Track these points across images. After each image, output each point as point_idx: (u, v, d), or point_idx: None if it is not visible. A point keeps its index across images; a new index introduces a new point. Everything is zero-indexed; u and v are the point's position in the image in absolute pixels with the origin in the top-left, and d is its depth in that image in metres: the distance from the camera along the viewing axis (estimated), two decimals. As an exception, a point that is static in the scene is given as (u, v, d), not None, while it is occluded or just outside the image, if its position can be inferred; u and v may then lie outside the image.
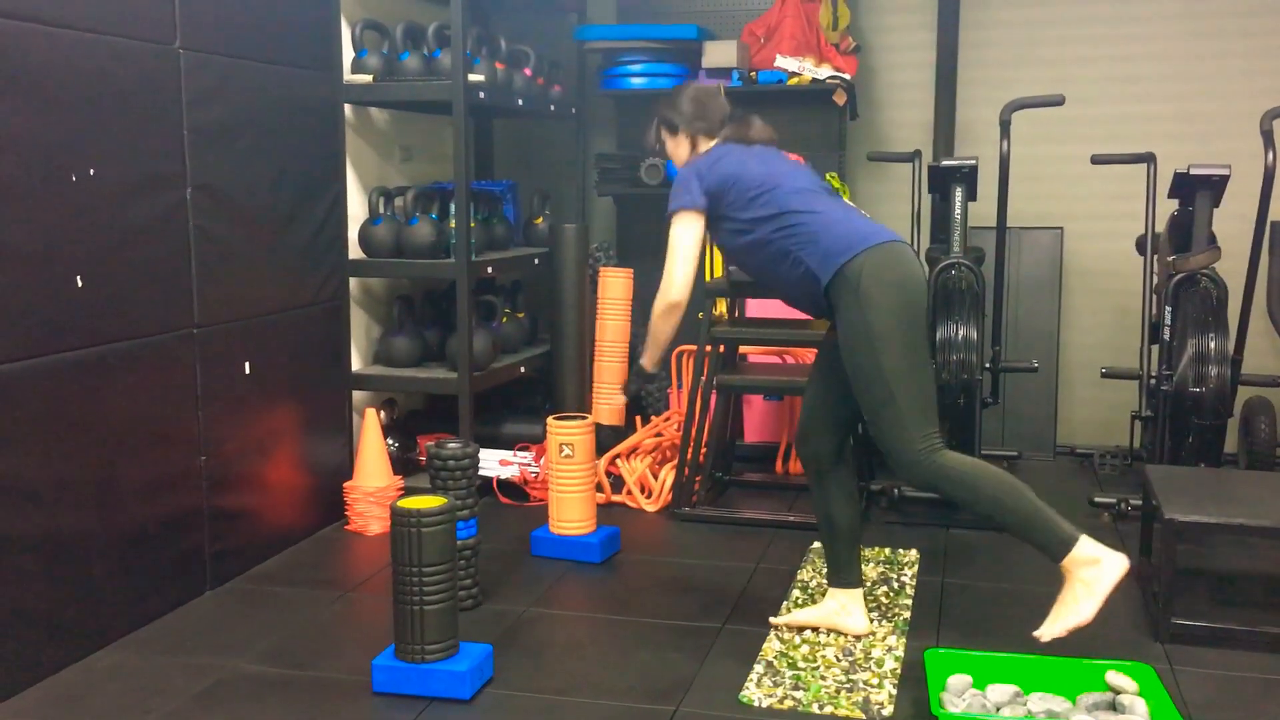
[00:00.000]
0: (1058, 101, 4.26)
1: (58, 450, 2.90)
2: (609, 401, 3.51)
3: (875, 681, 2.87)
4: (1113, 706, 2.60)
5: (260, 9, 3.65)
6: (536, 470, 4.41)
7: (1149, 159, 4.46)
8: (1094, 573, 2.72)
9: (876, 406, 2.86)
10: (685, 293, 3.09)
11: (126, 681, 2.88)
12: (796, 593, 3.47)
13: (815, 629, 3.17)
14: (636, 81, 5.02)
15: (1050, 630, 2.74)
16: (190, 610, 3.35)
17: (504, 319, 4.72)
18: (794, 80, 4.84)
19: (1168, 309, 4.15)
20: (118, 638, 3.12)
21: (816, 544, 3.90)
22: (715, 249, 5.11)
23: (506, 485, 4.48)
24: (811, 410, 3.13)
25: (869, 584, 3.54)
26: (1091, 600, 2.71)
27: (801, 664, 2.98)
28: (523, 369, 4.67)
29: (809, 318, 4.25)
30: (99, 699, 2.79)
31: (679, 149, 3.27)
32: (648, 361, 3.29)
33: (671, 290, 3.10)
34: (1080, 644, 3.08)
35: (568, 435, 3.81)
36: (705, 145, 3.22)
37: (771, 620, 3.21)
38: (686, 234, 3.07)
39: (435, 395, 4.76)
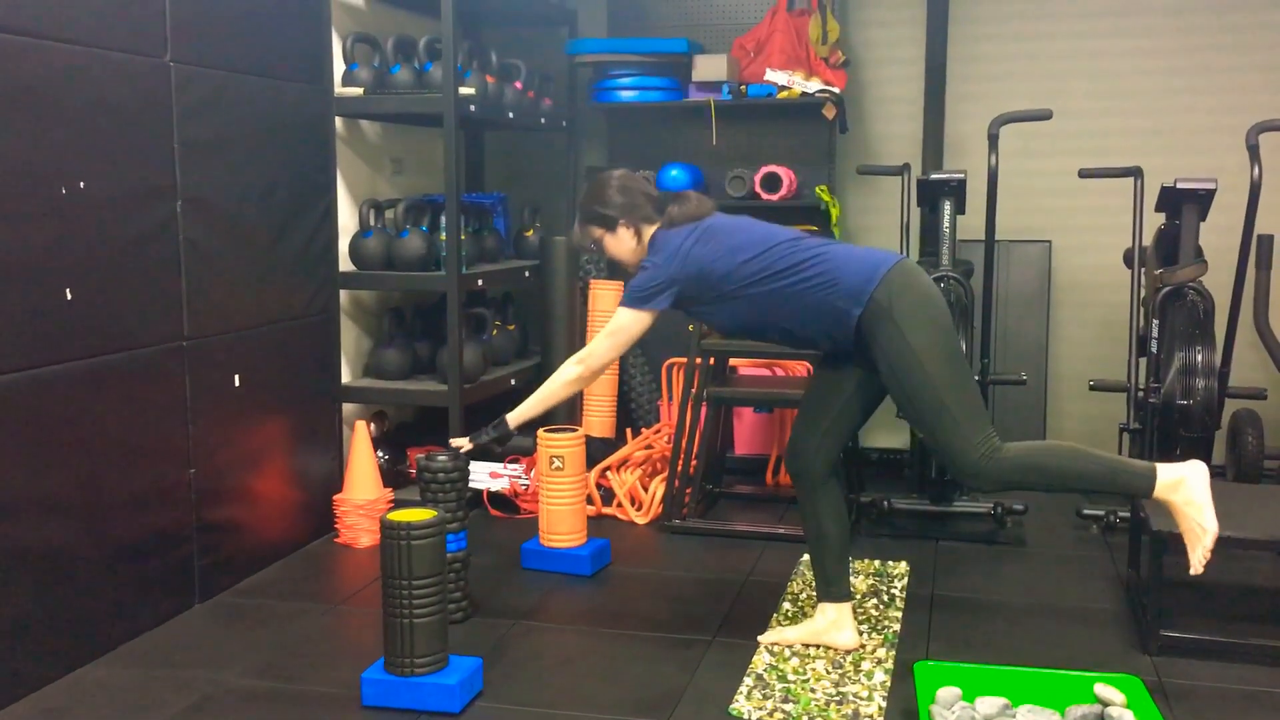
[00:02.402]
0: (1046, 115, 4.29)
1: (46, 463, 2.90)
2: (454, 442, 3.27)
3: (865, 694, 2.88)
4: (1101, 718, 2.60)
5: (251, 22, 3.65)
6: (527, 483, 4.41)
7: (1136, 173, 4.49)
8: (1187, 490, 2.83)
9: (933, 421, 2.87)
10: (596, 371, 3.08)
11: (114, 696, 2.87)
12: (786, 605, 3.48)
13: (805, 644, 3.17)
14: (627, 95, 5.04)
15: (1198, 560, 2.84)
16: (179, 624, 3.34)
17: (494, 331, 4.72)
18: (784, 94, 4.86)
19: (1155, 322, 4.18)
20: (106, 651, 3.11)
21: (806, 556, 3.90)
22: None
23: (497, 498, 4.48)
24: (807, 426, 3.14)
25: (859, 596, 3.54)
26: (1205, 513, 2.82)
27: (791, 676, 2.98)
28: (513, 381, 4.67)
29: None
30: (86, 713, 2.78)
31: (621, 244, 3.12)
32: (516, 417, 3.17)
33: (594, 361, 3.06)
34: (1068, 656, 3.10)
35: (558, 448, 3.81)
36: (649, 232, 3.10)
37: (760, 639, 3.21)
38: (634, 328, 3.02)
39: (426, 408, 4.76)
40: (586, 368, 3.07)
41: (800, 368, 4.79)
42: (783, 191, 4.89)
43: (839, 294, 2.90)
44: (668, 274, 2.98)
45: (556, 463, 3.81)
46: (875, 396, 3.10)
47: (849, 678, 2.97)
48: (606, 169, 3.27)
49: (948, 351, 2.89)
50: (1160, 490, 2.84)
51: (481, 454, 3.28)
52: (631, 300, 3.01)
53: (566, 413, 4.73)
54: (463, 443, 3.25)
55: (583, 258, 5.15)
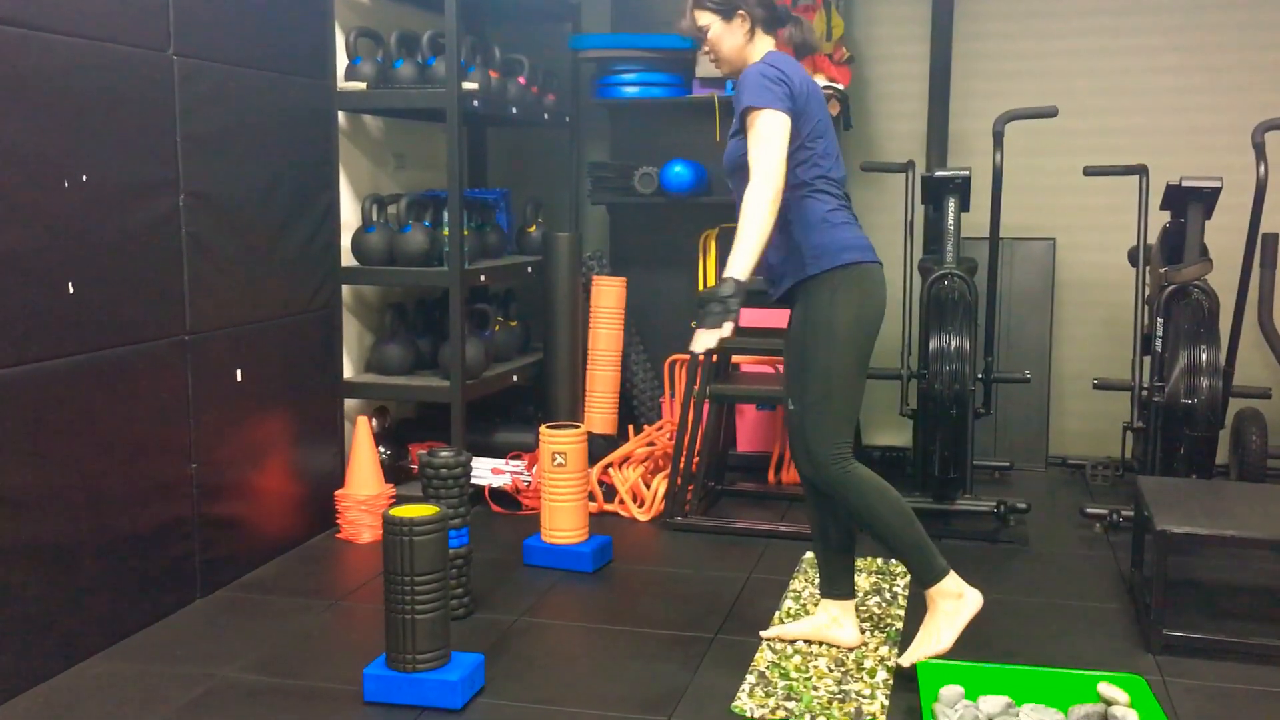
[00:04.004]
0: (1051, 113, 4.28)
1: (48, 457, 2.89)
2: (698, 342, 2.76)
3: (868, 692, 2.87)
4: (1105, 718, 2.60)
5: (254, 16, 3.65)
6: (529, 479, 4.41)
7: (1141, 171, 4.48)
8: (956, 605, 2.93)
9: (811, 401, 2.92)
10: (781, 182, 2.77)
11: (116, 690, 2.87)
12: (789, 603, 3.47)
13: (808, 640, 3.17)
14: (630, 91, 5.03)
15: (911, 657, 2.91)
16: (181, 619, 3.34)
17: (497, 327, 4.71)
18: (788, 90, 4.85)
19: (1159, 320, 4.17)
20: (107, 646, 3.11)
21: (809, 554, 3.90)
22: (710, 245, 5.12)
23: (499, 494, 4.47)
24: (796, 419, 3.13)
25: (861, 594, 3.54)
26: (951, 630, 2.92)
27: (794, 674, 2.97)
28: (515, 377, 4.66)
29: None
30: (88, 707, 2.78)
31: (730, 36, 2.94)
32: (743, 269, 2.75)
33: (776, 175, 2.75)
34: (1072, 655, 3.09)
35: (560, 444, 3.81)
36: (763, 41, 2.96)
37: (762, 634, 3.21)
38: (778, 129, 2.77)
39: (427, 403, 4.75)
40: (774, 184, 2.75)
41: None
42: (786, 188, 4.87)
43: (817, 237, 2.89)
44: (787, 87, 2.81)
45: (559, 459, 3.81)
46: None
47: (851, 675, 2.97)
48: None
49: (861, 356, 2.93)
50: (937, 591, 2.92)
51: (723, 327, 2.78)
52: (763, 99, 2.77)
53: (569, 409, 4.73)
54: (711, 338, 2.77)
55: (586, 254, 5.15)
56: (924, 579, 2.94)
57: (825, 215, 2.92)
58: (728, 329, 2.76)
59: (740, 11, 2.94)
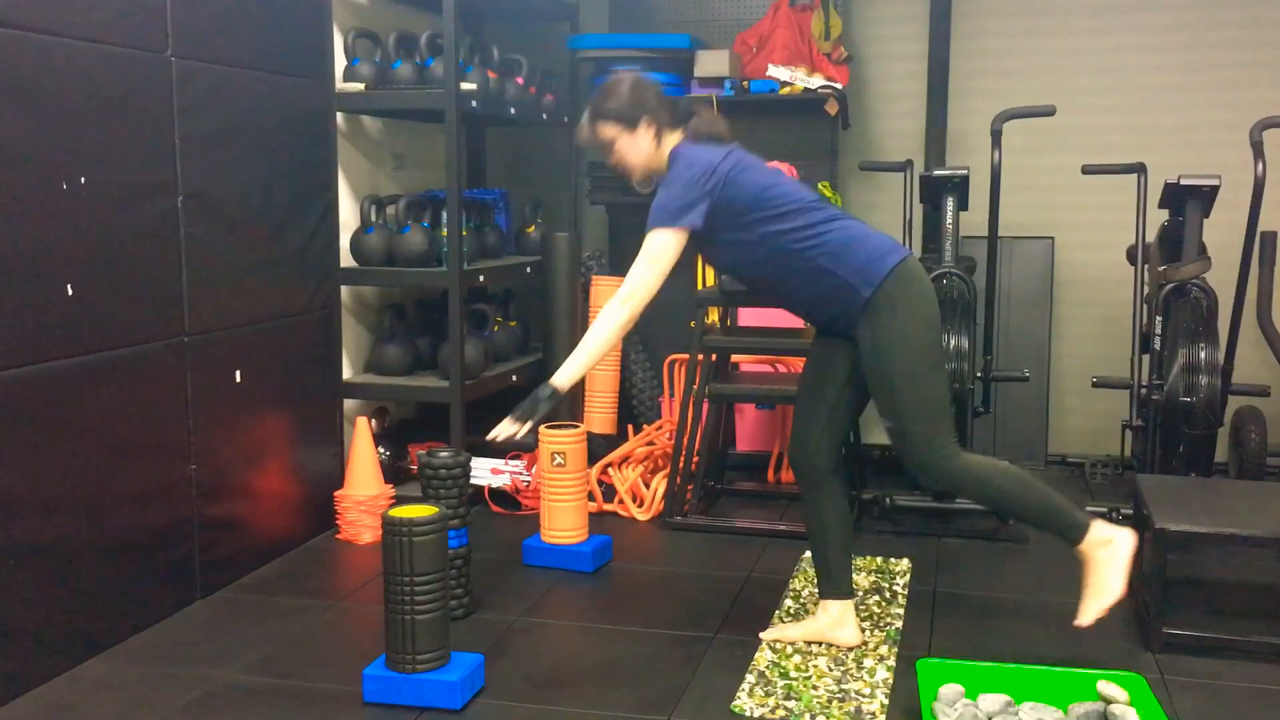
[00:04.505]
0: (1049, 112, 4.28)
1: (47, 459, 2.89)
2: (498, 431, 2.83)
3: (867, 691, 2.87)
4: (1104, 716, 2.60)
5: (252, 17, 3.65)
6: (528, 479, 4.41)
7: (1139, 169, 4.48)
8: (1111, 550, 2.87)
9: (905, 413, 2.89)
10: (642, 307, 2.87)
11: (116, 692, 2.87)
12: (789, 602, 3.47)
13: (808, 641, 3.17)
14: (629, 90, 5.02)
15: (1089, 614, 2.86)
16: (180, 620, 3.34)
17: (496, 327, 4.72)
18: (786, 90, 4.85)
19: (1158, 319, 4.17)
20: (107, 647, 3.11)
21: (808, 553, 3.90)
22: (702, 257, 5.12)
23: (498, 494, 4.48)
24: (806, 419, 3.13)
25: (861, 593, 3.54)
26: (1117, 576, 2.85)
27: (794, 673, 2.97)
28: (515, 378, 4.66)
29: (801, 325, 4.27)
30: (88, 709, 2.78)
31: (637, 146, 2.95)
32: (569, 380, 2.86)
33: (640, 294, 2.83)
34: (1071, 653, 3.09)
35: (560, 444, 3.81)
36: (670, 139, 2.97)
37: (762, 636, 3.20)
38: (672, 248, 2.84)
39: (427, 404, 4.75)
40: (634, 304, 2.83)
41: (802, 365, 4.77)
42: (785, 188, 4.87)
43: (850, 268, 2.87)
44: (703, 189, 2.83)
45: (558, 459, 3.81)
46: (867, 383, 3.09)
47: (851, 675, 2.97)
48: (628, 72, 2.98)
49: (933, 352, 2.92)
50: (1088, 544, 2.88)
51: (532, 425, 2.89)
52: (665, 218, 2.82)
53: (568, 409, 4.73)
54: (513, 429, 2.85)
55: (585, 254, 5.14)
56: (1071, 537, 2.89)
57: (843, 243, 2.89)
58: (526, 428, 2.85)
59: (644, 119, 2.92)
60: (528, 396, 2.90)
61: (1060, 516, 2.90)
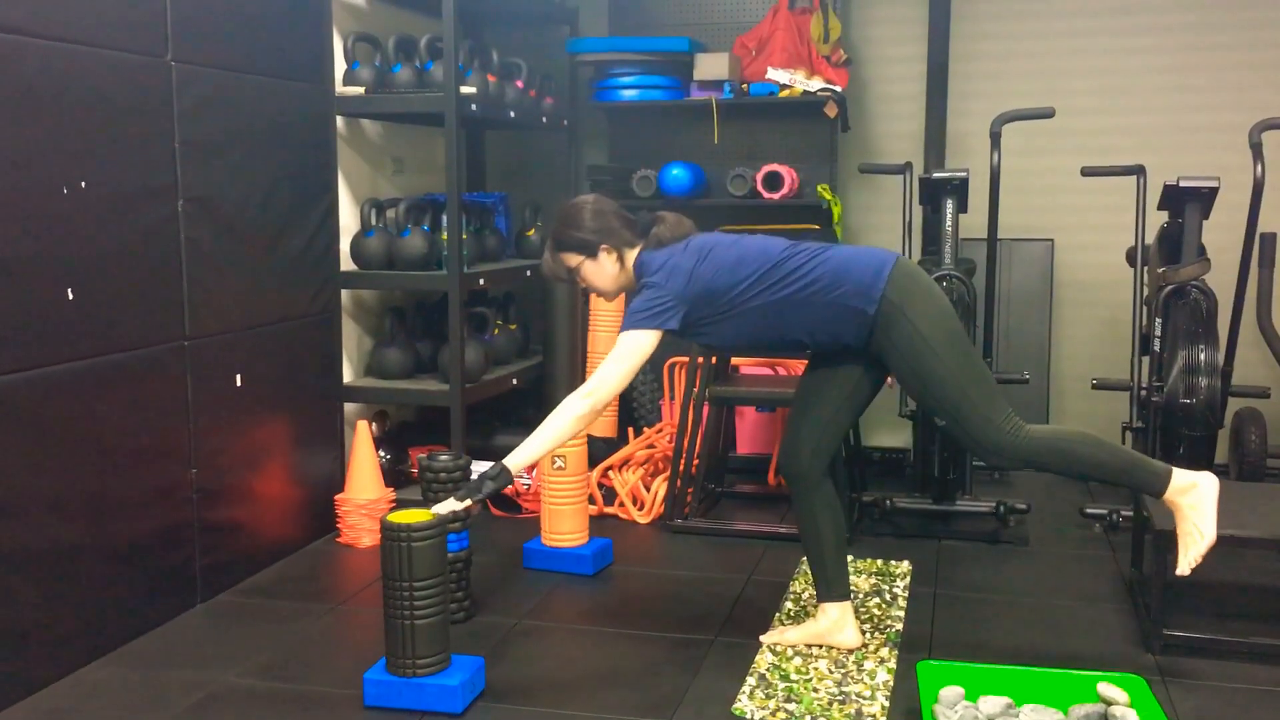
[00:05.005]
0: (1048, 114, 4.28)
1: (48, 463, 2.90)
2: (441, 508, 2.84)
3: (868, 693, 2.87)
4: (1104, 718, 2.60)
5: (252, 22, 3.65)
6: (529, 482, 4.41)
7: (1139, 171, 4.48)
8: (1196, 495, 2.84)
9: (954, 407, 2.89)
10: (604, 404, 2.88)
11: (117, 695, 2.87)
12: (789, 604, 3.47)
13: (808, 645, 3.17)
14: (628, 94, 5.03)
15: (1187, 562, 2.83)
16: (181, 624, 3.34)
17: (496, 331, 4.72)
18: (785, 92, 4.86)
19: (1158, 320, 4.17)
20: (108, 651, 3.11)
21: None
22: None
23: (498, 497, 4.47)
24: (802, 428, 3.12)
25: (861, 596, 3.54)
26: (1207, 520, 2.82)
27: (794, 676, 2.97)
28: (515, 381, 4.66)
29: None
30: (89, 713, 2.78)
31: (602, 270, 3.01)
32: (518, 463, 2.86)
33: (604, 392, 2.86)
34: (1071, 655, 3.09)
35: (560, 447, 3.80)
36: (632, 256, 3.01)
37: (762, 639, 3.20)
38: (643, 350, 2.88)
39: (427, 407, 4.75)
40: (596, 399, 2.86)
41: (802, 367, 4.77)
42: (784, 190, 4.89)
43: (849, 294, 2.89)
44: (674, 292, 2.89)
45: (558, 462, 3.81)
46: (868, 395, 3.10)
47: (852, 677, 2.97)
48: (584, 197, 3.06)
49: (959, 340, 2.92)
50: (1172, 492, 2.86)
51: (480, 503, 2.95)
52: (639, 321, 2.88)
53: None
54: (458, 506, 2.86)
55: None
56: (1154, 489, 2.87)
57: (833, 271, 2.90)
58: (466, 504, 2.85)
59: (603, 246, 2.97)
60: (475, 476, 2.93)
61: (1140, 469, 2.88)
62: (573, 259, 3.02)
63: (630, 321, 2.90)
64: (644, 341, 2.88)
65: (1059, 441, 2.91)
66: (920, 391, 2.94)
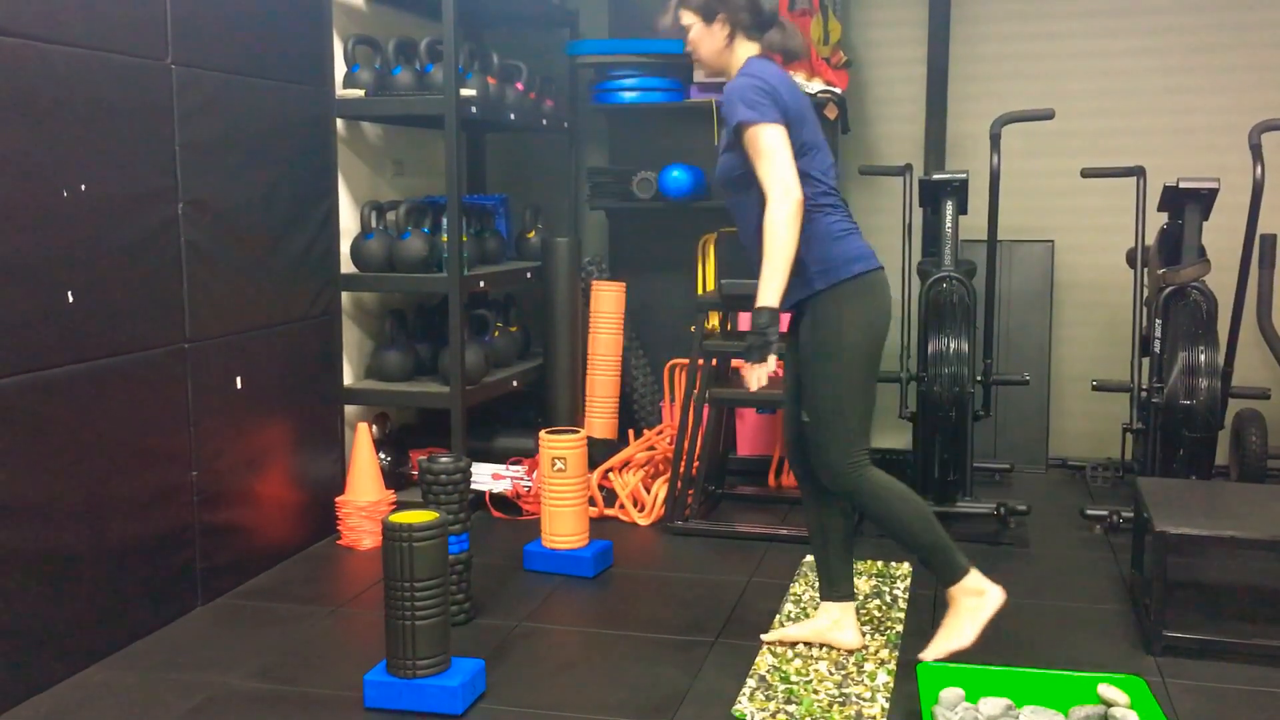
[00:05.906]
0: (1048, 115, 4.28)
1: (48, 466, 2.90)
2: (751, 379, 2.83)
3: (868, 695, 2.87)
4: (1105, 719, 2.60)
5: (252, 24, 3.66)
6: (529, 484, 4.41)
7: (1139, 172, 4.48)
8: (978, 601, 2.97)
9: (828, 413, 2.93)
10: (799, 193, 2.77)
11: (117, 698, 2.87)
12: (789, 606, 3.47)
13: (808, 643, 3.17)
14: (628, 96, 5.03)
15: (934, 652, 2.95)
16: (182, 626, 3.34)
17: (496, 333, 4.72)
18: (785, 94, 4.85)
19: (1158, 322, 4.17)
20: (109, 653, 3.11)
21: (809, 557, 3.90)
22: (710, 249, 5.13)
23: (499, 499, 4.48)
24: (793, 421, 3.14)
25: (862, 597, 3.54)
26: (974, 626, 2.96)
27: (794, 678, 2.98)
28: (515, 383, 4.67)
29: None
30: (90, 716, 2.78)
31: (712, 39, 2.94)
32: (774, 295, 2.78)
33: (792, 189, 2.75)
34: (1072, 657, 3.09)
35: (560, 449, 3.81)
36: (744, 46, 2.94)
37: (763, 637, 3.21)
38: (780, 142, 2.77)
39: (427, 409, 4.75)
40: (791, 195, 2.75)
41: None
42: (784, 192, 4.88)
43: (814, 256, 2.87)
44: (764, 88, 2.80)
45: (559, 464, 3.81)
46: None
47: (852, 678, 2.97)
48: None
49: (870, 364, 2.95)
50: (958, 588, 2.96)
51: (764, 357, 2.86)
52: (756, 113, 2.77)
53: (569, 414, 4.73)
54: (762, 369, 2.85)
55: (585, 259, 5.15)
56: (946, 578, 2.97)
57: (828, 227, 2.91)
58: (772, 362, 2.88)
59: (721, 15, 2.93)
60: (747, 336, 2.86)
61: (945, 554, 2.96)
62: (689, 18, 2.96)
63: (750, 117, 2.78)
64: (774, 132, 2.78)
65: (889, 496, 2.95)
66: (808, 381, 2.96)
